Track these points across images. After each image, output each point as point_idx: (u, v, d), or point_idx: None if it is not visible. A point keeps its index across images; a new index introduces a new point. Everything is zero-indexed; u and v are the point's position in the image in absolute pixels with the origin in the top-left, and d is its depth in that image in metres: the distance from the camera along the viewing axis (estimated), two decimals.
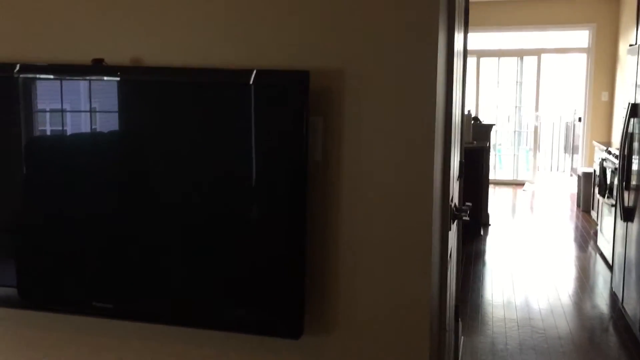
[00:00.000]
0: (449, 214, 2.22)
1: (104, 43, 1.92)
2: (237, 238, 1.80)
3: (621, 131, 4.37)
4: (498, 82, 10.29)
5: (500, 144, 10.47)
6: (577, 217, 7.63)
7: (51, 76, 1.91)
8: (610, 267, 5.09)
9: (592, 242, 6.38)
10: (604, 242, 5.73)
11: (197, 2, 1.85)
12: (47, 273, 1.96)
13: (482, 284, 5.19)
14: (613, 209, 5.04)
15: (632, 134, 4.21)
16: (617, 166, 4.62)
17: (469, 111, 6.04)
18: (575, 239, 6.62)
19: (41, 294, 1.98)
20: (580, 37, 9.40)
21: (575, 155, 9.76)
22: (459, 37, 2.54)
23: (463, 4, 2.89)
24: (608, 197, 5.62)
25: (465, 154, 3.55)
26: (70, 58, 1.94)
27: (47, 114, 1.97)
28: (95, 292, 1.90)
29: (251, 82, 1.73)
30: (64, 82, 1.89)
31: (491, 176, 7.59)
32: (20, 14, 1.99)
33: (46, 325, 2.09)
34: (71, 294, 1.94)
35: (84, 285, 1.92)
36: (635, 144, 4.14)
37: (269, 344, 1.90)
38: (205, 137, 1.81)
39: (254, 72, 1.73)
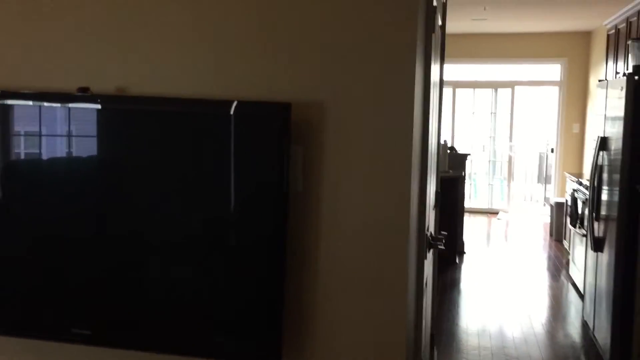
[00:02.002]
0: (425, 243, 2.27)
1: (90, 72, 1.95)
2: (217, 267, 1.82)
3: (591, 163, 4.49)
4: (473, 113, 10.48)
5: (475, 173, 10.62)
6: (550, 246, 7.75)
7: (34, 103, 1.93)
8: (582, 297, 5.18)
9: (564, 271, 6.48)
10: (576, 271, 5.82)
11: (182, 33, 1.90)
12: (24, 299, 1.95)
13: (457, 312, 5.23)
14: (584, 238, 5.15)
15: (601, 166, 4.33)
16: (588, 197, 4.73)
17: (445, 141, 6.15)
18: (548, 268, 6.72)
19: (18, 319, 1.96)
20: (553, 70, 9.66)
21: (548, 185, 9.95)
22: (435, 69, 2.62)
23: (439, 37, 2.98)
24: (579, 227, 5.74)
25: (441, 182, 3.62)
26: (57, 86, 1.97)
27: (28, 140, 1.99)
28: (74, 319, 1.90)
29: (232, 113, 1.77)
30: (48, 109, 1.91)
31: (466, 205, 7.70)
32: (5, 42, 2.01)
33: (19, 351, 2.07)
34: (49, 320, 1.93)
35: (62, 312, 1.92)
36: (605, 176, 4.26)
37: None
38: (187, 166, 1.84)
39: (235, 103, 1.77)
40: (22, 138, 1.99)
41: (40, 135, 1.95)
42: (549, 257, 7.21)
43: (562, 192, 8.96)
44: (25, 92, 1.96)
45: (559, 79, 9.57)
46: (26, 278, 1.95)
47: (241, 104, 1.79)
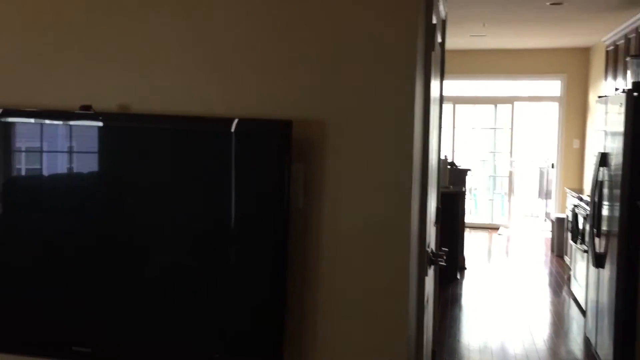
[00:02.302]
0: (425, 259, 2.27)
1: (92, 90, 1.97)
2: (219, 283, 1.82)
3: (592, 179, 4.50)
4: (473, 128, 10.51)
5: (475, 189, 10.62)
6: (551, 262, 7.73)
7: (36, 121, 1.94)
8: (584, 312, 5.16)
9: (566, 287, 6.46)
10: (577, 287, 5.81)
11: (184, 51, 1.92)
12: (25, 316, 1.95)
13: (458, 328, 5.21)
14: (585, 254, 5.14)
15: (602, 182, 4.34)
16: (589, 213, 4.73)
17: (445, 156, 6.16)
18: (550, 284, 6.70)
19: (18, 337, 1.96)
20: (552, 86, 9.70)
21: (548, 201, 9.94)
22: (435, 85, 2.63)
23: (439, 54, 3.01)
24: (580, 243, 5.73)
25: (442, 198, 3.63)
26: (59, 104, 1.98)
27: (31, 157, 2.00)
28: (74, 336, 1.90)
29: (233, 130, 1.78)
30: (51, 126, 1.93)
31: (467, 220, 7.69)
32: (9, 60, 2.03)
33: None
34: (49, 338, 1.93)
35: (62, 329, 1.91)
36: (605, 191, 4.27)
37: None
38: (188, 183, 1.85)
39: (236, 120, 1.79)
40: (24, 155, 2.00)
41: (42, 152, 1.96)
42: (550, 273, 7.19)
43: (562, 208, 8.95)
44: (28, 109, 1.97)
45: (558, 95, 9.61)
46: (26, 294, 1.95)
47: (242, 121, 1.80)
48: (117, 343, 1.89)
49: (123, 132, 1.90)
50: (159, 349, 1.87)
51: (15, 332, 1.96)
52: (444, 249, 3.16)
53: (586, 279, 4.93)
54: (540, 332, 5.10)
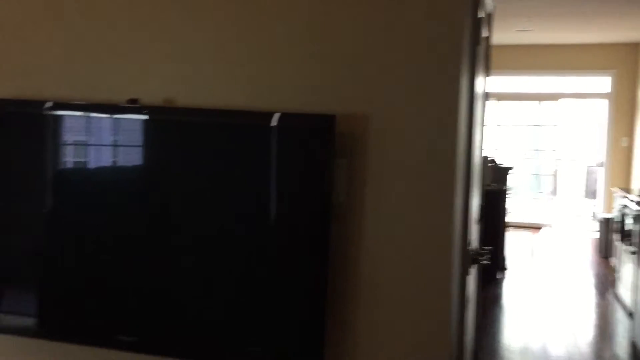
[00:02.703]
0: (468, 258, 2.23)
1: (139, 84, 1.99)
2: (262, 276, 1.83)
3: None
4: (516, 125, 10.32)
5: (517, 187, 10.43)
6: (597, 263, 7.53)
7: (85, 114, 1.98)
8: (631, 315, 5.01)
9: (611, 289, 6.29)
10: (624, 289, 5.64)
11: (228, 45, 1.92)
12: (72, 305, 1.99)
13: (499, 328, 5.12)
14: (633, 256, 4.99)
15: None
16: (637, 213, 4.59)
17: (486, 153, 6.06)
18: (595, 286, 6.53)
19: (65, 325, 2.01)
20: (601, 82, 9.44)
21: (594, 200, 9.69)
22: (479, 81, 2.58)
23: (484, 48, 2.95)
24: (628, 244, 5.57)
25: (484, 196, 3.56)
26: (107, 98, 2.01)
27: (79, 149, 2.04)
28: (120, 325, 1.93)
29: (276, 124, 1.78)
30: (98, 119, 1.96)
31: (508, 219, 7.55)
32: (60, 56, 2.08)
33: (63, 356, 2.11)
34: (96, 326, 1.97)
35: (109, 318, 1.95)
36: None
37: None
38: (231, 176, 1.86)
39: (279, 114, 1.79)
40: (72, 147, 2.04)
41: (89, 145, 1.99)
42: (596, 275, 7.01)
43: (609, 208, 8.71)
44: (77, 102, 2.01)
45: (606, 92, 9.34)
46: (74, 284, 1.99)
47: (286, 115, 1.80)
48: (161, 334, 1.91)
49: (167, 126, 1.92)
50: (201, 341, 1.88)
51: (63, 321, 2.01)
52: (486, 247, 3.10)
53: (633, 281, 4.79)
54: (584, 335, 4.98)
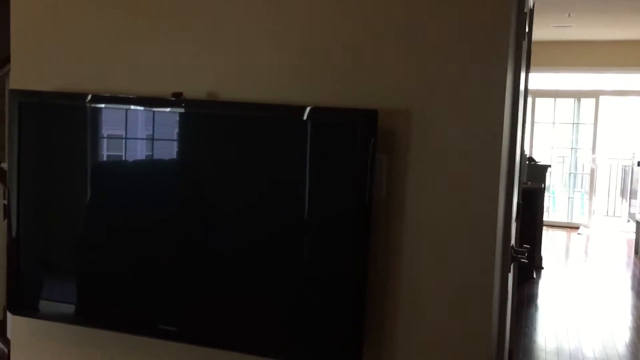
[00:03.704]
0: (509, 256, 2.20)
1: (183, 78, 2.01)
2: (302, 271, 1.83)
3: None
4: (554, 123, 10.14)
5: (554, 186, 10.26)
6: (635, 264, 7.37)
7: (126, 107, 2.01)
8: None
9: None
10: None
11: (269, 39, 1.93)
12: (115, 294, 2.02)
13: (534, 328, 5.05)
14: None
15: None
16: None
17: (524, 151, 5.98)
18: (633, 287, 6.39)
19: (106, 313, 2.05)
20: None
21: (633, 200, 9.47)
22: (521, 78, 2.54)
23: (526, 44, 2.90)
24: None
25: (521, 194, 3.51)
26: (152, 91, 2.04)
27: (120, 141, 2.06)
28: (162, 315, 1.96)
29: (317, 119, 1.78)
30: (140, 113, 1.99)
31: (545, 218, 7.44)
32: (104, 50, 2.11)
33: (102, 343, 2.15)
34: (138, 315, 2.00)
35: (151, 308, 1.98)
36: None
37: None
38: (272, 171, 1.86)
39: (320, 109, 1.78)
40: (114, 140, 2.07)
41: (128, 138, 2.02)
42: (634, 276, 6.86)
43: None
44: (120, 96, 2.04)
45: None
46: (116, 274, 2.02)
47: (328, 110, 1.80)
48: (201, 324, 1.93)
49: (208, 119, 1.93)
50: (241, 333, 1.90)
51: (106, 309, 2.05)
52: (525, 245, 3.06)
53: None
54: (621, 336, 4.88)
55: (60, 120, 2.06)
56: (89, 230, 2.07)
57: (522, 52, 2.20)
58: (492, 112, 1.77)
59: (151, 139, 1.99)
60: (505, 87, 1.76)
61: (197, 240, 1.93)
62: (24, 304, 2.13)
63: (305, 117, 1.80)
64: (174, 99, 1.93)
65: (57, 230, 2.12)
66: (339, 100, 1.86)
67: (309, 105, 1.81)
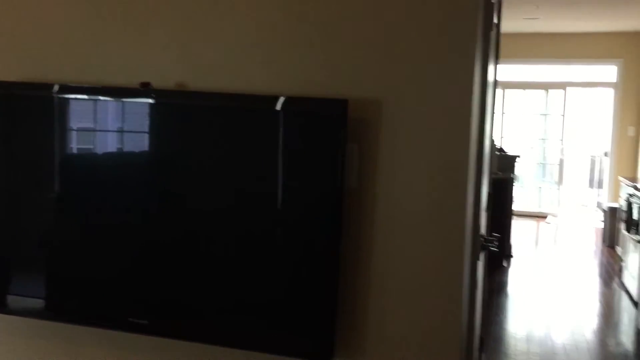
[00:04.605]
0: (478, 245, 2.23)
1: (151, 68, 1.99)
2: (272, 261, 1.83)
3: None
4: (523, 114, 10.28)
5: (523, 176, 10.41)
6: (602, 252, 7.53)
7: (95, 97, 1.98)
8: (636, 304, 5.02)
9: (616, 278, 6.29)
10: (630, 278, 5.64)
11: (239, 30, 1.91)
12: (83, 288, 2.00)
13: (505, 316, 5.14)
14: (639, 245, 4.98)
15: None
16: None
17: (494, 141, 6.05)
18: (600, 274, 6.53)
19: (77, 308, 2.02)
20: (608, 71, 9.39)
21: (600, 190, 9.67)
22: (490, 69, 2.57)
23: (495, 37, 2.93)
24: (634, 233, 5.56)
25: (491, 184, 3.55)
26: (119, 82, 2.01)
27: (87, 133, 2.04)
28: (131, 308, 1.94)
29: (287, 109, 1.78)
30: (108, 103, 1.96)
31: (514, 208, 7.54)
32: (70, 39, 2.07)
33: (72, 338, 2.13)
34: (107, 309, 1.98)
35: (119, 301, 1.96)
36: None
37: None
38: (242, 162, 1.86)
39: (290, 99, 1.78)
40: (82, 131, 2.04)
41: (98, 129, 1.99)
42: (601, 263, 7.01)
43: (615, 197, 8.70)
44: (88, 86, 2.01)
45: (613, 81, 9.30)
46: (85, 267, 2.00)
47: (298, 99, 1.79)
48: (171, 317, 1.92)
49: (176, 109, 1.91)
50: (212, 325, 1.89)
51: (75, 304, 2.02)
52: (495, 234, 3.10)
53: (639, 270, 4.79)
54: (589, 323, 4.99)
55: (26, 111, 2.02)
56: (57, 224, 2.04)
57: (490, 43, 2.22)
58: (461, 103, 1.78)
59: (120, 130, 1.97)
60: (473, 77, 1.78)
61: (167, 233, 1.92)
62: None
63: (275, 107, 1.79)
64: (143, 89, 1.91)
65: (24, 224, 2.08)
66: (310, 90, 1.86)
67: (279, 95, 1.81)
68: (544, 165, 10.43)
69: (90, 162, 2.04)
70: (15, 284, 2.08)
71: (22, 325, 2.16)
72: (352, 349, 1.89)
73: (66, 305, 2.04)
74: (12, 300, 2.07)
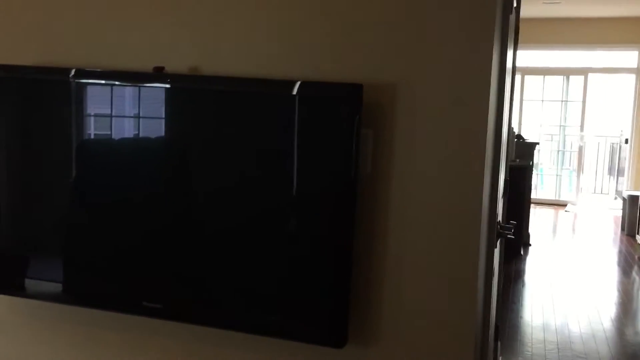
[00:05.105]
0: (495, 232, 2.20)
1: (165, 52, 1.98)
2: (287, 246, 1.83)
3: None
4: (542, 101, 10.15)
5: (542, 164, 10.30)
6: (621, 240, 7.44)
7: (110, 82, 1.98)
8: None
9: (636, 267, 6.22)
10: None
11: (253, 13, 1.90)
12: (98, 272, 2.01)
13: (521, 304, 5.10)
14: None
15: None
16: None
17: (512, 128, 5.98)
18: (619, 263, 6.46)
19: (92, 291, 2.03)
20: (629, 57, 9.23)
21: (620, 178, 9.54)
22: (508, 54, 2.52)
23: (514, 21, 2.88)
24: None
25: (509, 171, 3.52)
26: (133, 66, 2.01)
27: (103, 119, 2.04)
28: (145, 292, 1.95)
29: (301, 93, 1.76)
30: (123, 87, 1.96)
31: (532, 196, 7.48)
32: (82, 23, 2.07)
33: (86, 321, 2.15)
34: (122, 293, 1.99)
35: (134, 285, 1.97)
36: None
37: (313, 352, 1.91)
38: (256, 146, 1.84)
39: (304, 83, 1.76)
40: (97, 115, 2.04)
41: (113, 113, 1.99)
42: (620, 252, 6.93)
43: (636, 185, 8.58)
44: (102, 70, 2.01)
45: (635, 66, 9.13)
46: (100, 252, 2.01)
47: (312, 84, 1.77)
48: (185, 301, 1.93)
49: (191, 94, 1.90)
50: (227, 310, 1.89)
51: (90, 287, 2.04)
52: (512, 221, 3.07)
53: None
54: (607, 312, 4.94)
55: (41, 96, 2.03)
56: (73, 208, 2.05)
57: (509, 26, 2.18)
58: (479, 87, 1.75)
59: (135, 116, 1.97)
60: (491, 60, 1.75)
61: (182, 217, 1.92)
62: (8, 282, 2.12)
63: (289, 92, 1.78)
64: (159, 73, 1.91)
65: (40, 208, 2.09)
66: (325, 74, 1.84)
67: (293, 80, 1.79)
68: (563, 152, 10.31)
69: (103, 146, 2.04)
70: (33, 268, 2.10)
71: (38, 308, 2.18)
72: (366, 336, 1.88)
73: (82, 289, 2.06)
74: (30, 284, 2.08)
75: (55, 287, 2.06)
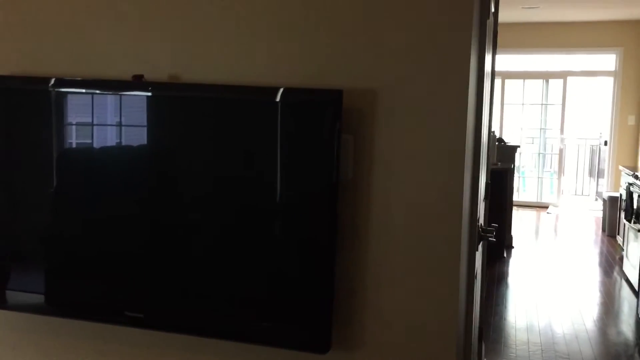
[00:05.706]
0: (476, 235, 2.22)
1: (143, 60, 1.98)
2: (268, 253, 1.83)
3: None
4: (523, 104, 10.26)
5: (524, 166, 10.40)
6: (602, 241, 7.53)
7: (89, 91, 1.97)
8: (636, 293, 5.02)
9: (617, 268, 6.29)
10: (630, 267, 5.64)
11: (233, 21, 1.90)
12: (80, 282, 2.00)
13: (505, 306, 5.14)
14: (639, 234, 4.98)
15: None
16: None
17: (493, 132, 6.03)
18: (600, 264, 6.53)
19: (73, 302, 2.02)
20: (607, 60, 9.36)
21: (600, 179, 9.66)
22: (487, 59, 2.55)
23: (492, 26, 2.91)
24: (634, 222, 5.56)
25: (490, 175, 3.55)
26: (111, 74, 2.00)
27: (83, 128, 2.03)
28: (127, 302, 1.94)
29: (281, 100, 1.76)
30: (102, 96, 1.95)
31: (514, 198, 7.54)
32: (61, 31, 2.06)
33: (68, 332, 2.13)
34: (104, 303, 1.98)
35: (116, 295, 1.96)
36: None
37: (296, 359, 1.91)
38: (237, 153, 1.85)
39: (284, 89, 1.77)
40: (77, 124, 2.03)
41: (93, 122, 1.98)
42: (601, 253, 7.01)
43: (615, 186, 8.69)
44: (81, 79, 2.00)
45: (613, 69, 9.27)
46: (81, 261, 1.99)
47: (291, 90, 1.78)
48: (167, 310, 1.92)
49: (172, 102, 1.90)
50: (209, 318, 1.89)
51: (71, 298, 2.02)
52: (493, 224, 3.10)
53: None
54: (589, 312, 4.99)
55: (21, 106, 2.01)
56: (53, 218, 2.03)
57: (487, 31, 2.20)
58: (457, 92, 1.77)
59: (116, 124, 1.96)
60: (469, 65, 1.77)
61: (163, 227, 1.91)
62: None
63: (269, 98, 1.78)
64: (141, 82, 1.90)
65: (20, 219, 2.07)
66: (305, 80, 1.84)
67: (273, 86, 1.79)
68: (544, 155, 10.41)
69: (84, 155, 2.03)
70: (13, 279, 2.07)
71: (23, 320, 2.16)
72: (350, 340, 1.89)
73: (64, 300, 2.04)
74: (11, 295, 2.06)
75: (37, 298, 2.04)
